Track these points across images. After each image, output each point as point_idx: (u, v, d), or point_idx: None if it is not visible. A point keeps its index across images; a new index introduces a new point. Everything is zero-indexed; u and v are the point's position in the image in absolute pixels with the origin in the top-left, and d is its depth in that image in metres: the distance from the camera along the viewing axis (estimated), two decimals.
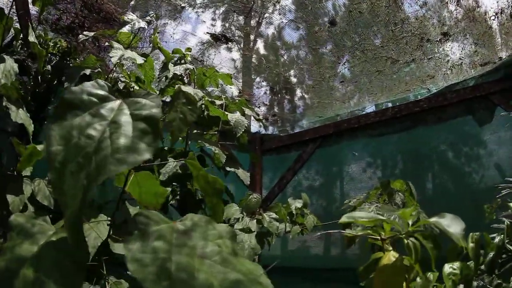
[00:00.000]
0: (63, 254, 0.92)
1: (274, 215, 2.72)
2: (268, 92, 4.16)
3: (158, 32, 3.56)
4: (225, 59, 4.00)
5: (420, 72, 3.52)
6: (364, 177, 3.98)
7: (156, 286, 0.70)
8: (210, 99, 2.91)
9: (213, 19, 4.01)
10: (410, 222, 1.02)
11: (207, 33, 3.31)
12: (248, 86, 4.10)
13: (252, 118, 4.46)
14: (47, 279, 0.84)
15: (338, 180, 4.30)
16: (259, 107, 4.21)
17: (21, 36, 2.61)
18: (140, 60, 2.24)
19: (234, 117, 2.72)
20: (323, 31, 3.14)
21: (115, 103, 1.03)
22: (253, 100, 4.15)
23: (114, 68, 2.75)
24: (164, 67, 2.64)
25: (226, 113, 2.74)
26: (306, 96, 4.35)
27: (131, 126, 0.92)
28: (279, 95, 4.28)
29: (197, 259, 0.84)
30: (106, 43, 2.87)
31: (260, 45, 4.09)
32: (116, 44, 2.26)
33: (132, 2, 3.75)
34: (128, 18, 2.41)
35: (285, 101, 4.44)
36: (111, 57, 2.16)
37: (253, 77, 4.17)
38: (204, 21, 3.98)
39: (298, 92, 4.33)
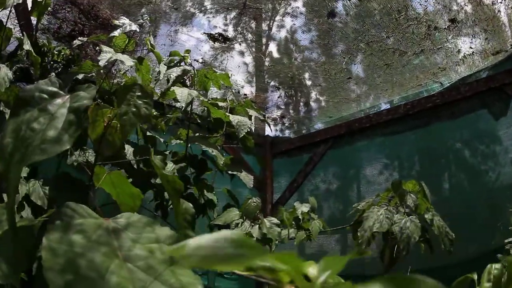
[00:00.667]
0: (18, 242, 0.98)
1: (275, 220, 2.59)
2: (282, 95, 4.08)
3: (155, 36, 3.54)
4: (238, 64, 3.97)
5: (430, 64, 3.34)
6: (381, 179, 3.82)
7: (58, 277, 0.66)
8: (210, 101, 2.85)
9: (225, 24, 3.97)
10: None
11: (204, 33, 3.26)
12: (262, 90, 4.03)
13: (277, 122, 4.44)
14: (2, 259, 0.91)
15: (355, 183, 4.14)
16: (266, 109, 4.13)
17: None
18: (129, 62, 2.18)
19: (236, 118, 2.65)
20: (323, 24, 3.01)
21: (63, 98, 1.16)
22: (268, 104, 4.09)
23: (114, 72, 2.73)
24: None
25: (228, 114, 2.67)
26: (318, 97, 4.26)
27: (63, 118, 1.04)
28: (294, 98, 4.20)
29: (118, 261, 0.77)
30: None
31: (271, 47, 4.03)
32: (105, 48, 2.23)
33: (143, 10, 3.76)
34: (119, 22, 2.37)
35: (298, 103, 4.35)
36: (99, 60, 2.13)
37: (267, 81, 4.10)
38: (215, 26, 3.95)
39: (307, 93, 4.23)
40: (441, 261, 2.95)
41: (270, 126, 3.44)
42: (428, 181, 3.59)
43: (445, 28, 2.94)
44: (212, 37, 3.23)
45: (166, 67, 2.46)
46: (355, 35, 3.08)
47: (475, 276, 1.72)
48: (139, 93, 1.46)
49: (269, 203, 3.98)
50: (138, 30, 2.39)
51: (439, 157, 3.62)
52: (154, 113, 2.80)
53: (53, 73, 2.85)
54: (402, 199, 2.69)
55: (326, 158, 4.10)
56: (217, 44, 3.42)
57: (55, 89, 1.14)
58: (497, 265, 1.93)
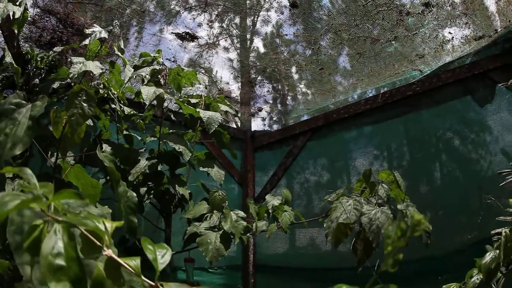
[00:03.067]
0: None
1: (241, 214, 2.82)
2: (263, 90, 4.42)
3: (123, 38, 4.00)
4: (224, 60, 4.36)
5: (407, 51, 3.55)
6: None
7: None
8: (183, 98, 3.26)
9: (210, 21, 4.37)
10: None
11: (172, 33, 3.67)
12: (247, 85, 4.38)
13: (255, 116, 4.82)
14: None
15: (345, 174, 4.43)
16: (237, 104, 4.49)
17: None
18: (98, 70, 2.63)
19: (207, 114, 2.98)
20: (289, 16, 3.26)
21: (26, 108, 1.75)
22: (255, 99, 4.44)
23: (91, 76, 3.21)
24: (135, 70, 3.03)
25: (198, 110, 3.03)
26: (298, 89, 4.56)
27: (25, 125, 1.66)
28: (281, 92, 4.53)
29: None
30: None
31: (256, 43, 4.40)
32: (75, 59, 2.70)
33: (128, 11, 4.23)
34: (89, 31, 2.84)
35: (280, 97, 4.68)
36: (70, 73, 2.60)
37: (253, 76, 4.45)
38: (201, 24, 4.35)
39: (287, 86, 4.55)
40: (432, 251, 3.05)
41: (241, 120, 3.82)
42: (419, 170, 3.87)
43: (419, 13, 3.17)
44: (179, 36, 3.62)
45: (132, 70, 2.89)
46: (321, 24, 3.32)
47: None
48: (85, 97, 1.92)
49: (251, 197, 4.32)
50: (107, 36, 2.85)
51: (428, 146, 3.84)
52: (131, 112, 3.24)
53: (37, 79, 3.35)
54: (372, 189, 2.79)
55: (314, 150, 4.44)
56: (201, 40, 3.84)
57: (20, 101, 1.72)
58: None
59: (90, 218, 0.77)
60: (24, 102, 1.74)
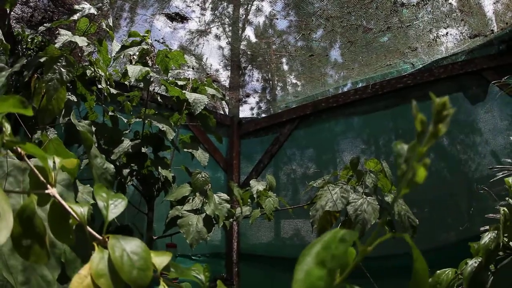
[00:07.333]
0: None
1: (225, 196, 2.80)
2: (254, 78, 4.44)
3: (114, 20, 4.01)
4: (215, 48, 4.40)
5: (399, 43, 3.55)
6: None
7: None
8: (170, 80, 3.26)
9: (203, 9, 4.40)
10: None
11: (162, 13, 3.66)
12: (236, 71, 4.40)
13: (242, 102, 4.82)
14: None
15: (332, 166, 4.42)
16: (226, 91, 4.50)
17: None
18: (84, 43, 2.64)
19: (193, 96, 2.97)
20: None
21: (7, 71, 1.84)
22: (244, 88, 4.46)
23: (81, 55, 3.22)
24: (121, 49, 3.04)
25: (184, 92, 3.03)
26: (286, 78, 4.58)
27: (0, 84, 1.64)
28: (270, 83, 4.55)
29: (18, 189, 1.33)
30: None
31: (248, 32, 4.43)
32: (63, 31, 2.71)
33: None
34: (79, 7, 2.85)
35: (270, 85, 4.70)
36: (55, 42, 2.61)
37: (244, 65, 4.47)
38: (194, 11, 4.38)
39: (274, 73, 4.58)
40: (418, 246, 3.04)
41: (228, 107, 3.83)
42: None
43: (413, 5, 3.17)
44: (169, 17, 3.62)
45: (119, 45, 2.90)
46: (312, 9, 3.29)
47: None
48: (64, 63, 1.93)
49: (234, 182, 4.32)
50: (96, 13, 2.87)
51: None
52: (116, 92, 3.24)
53: (25, 60, 3.38)
54: (359, 178, 2.75)
55: (301, 139, 4.44)
56: (192, 27, 3.85)
57: (3, 65, 1.89)
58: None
59: (40, 151, 0.74)
60: (5, 66, 1.90)
